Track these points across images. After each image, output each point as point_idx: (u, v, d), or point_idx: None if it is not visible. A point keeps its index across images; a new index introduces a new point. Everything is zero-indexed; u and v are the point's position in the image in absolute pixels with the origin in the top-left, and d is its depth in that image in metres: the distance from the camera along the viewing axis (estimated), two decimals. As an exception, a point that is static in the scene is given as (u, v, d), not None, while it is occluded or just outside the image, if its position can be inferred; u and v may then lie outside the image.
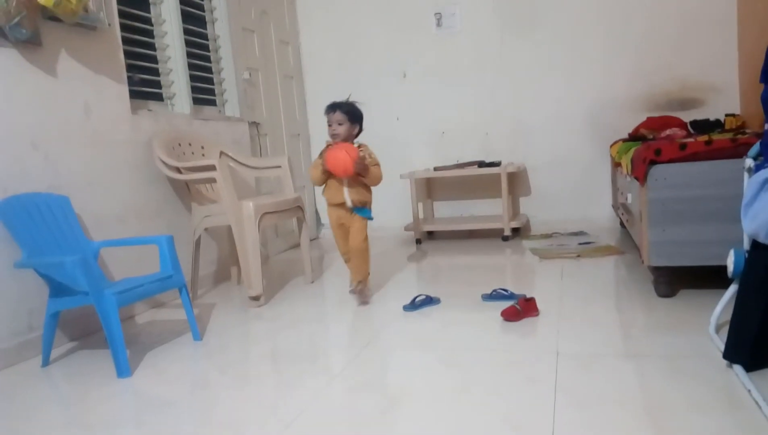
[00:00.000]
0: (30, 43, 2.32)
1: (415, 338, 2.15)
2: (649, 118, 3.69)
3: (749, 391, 1.45)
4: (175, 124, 3.19)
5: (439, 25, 4.39)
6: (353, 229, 2.61)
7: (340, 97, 2.62)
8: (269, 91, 4.22)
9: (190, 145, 3.17)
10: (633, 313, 2.20)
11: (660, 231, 2.24)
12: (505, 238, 3.96)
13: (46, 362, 2.13)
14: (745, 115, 3.56)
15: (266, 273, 3.40)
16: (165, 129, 3.09)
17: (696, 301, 2.22)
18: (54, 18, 2.40)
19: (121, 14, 2.88)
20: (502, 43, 4.27)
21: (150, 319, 2.70)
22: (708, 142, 2.20)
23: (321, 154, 2.56)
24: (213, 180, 2.78)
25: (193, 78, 3.42)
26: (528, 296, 2.31)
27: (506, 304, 2.29)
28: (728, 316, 1.66)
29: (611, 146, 3.76)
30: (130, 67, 2.92)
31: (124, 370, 1.95)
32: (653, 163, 2.22)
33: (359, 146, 2.55)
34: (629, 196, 2.75)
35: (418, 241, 4.17)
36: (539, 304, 2.27)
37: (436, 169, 4.22)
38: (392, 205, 4.41)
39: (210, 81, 3.67)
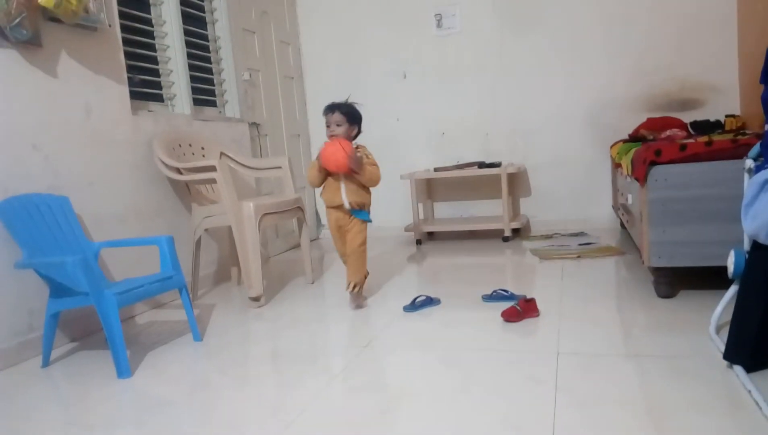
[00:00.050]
0: (30, 44, 2.32)
1: (415, 338, 2.15)
2: (649, 119, 3.68)
3: (749, 391, 1.45)
4: (176, 124, 3.19)
5: (439, 25, 4.39)
6: (351, 233, 2.59)
7: (340, 98, 2.62)
8: (269, 92, 4.22)
9: (190, 145, 3.18)
10: (633, 314, 2.20)
11: (660, 231, 2.24)
12: (506, 239, 3.96)
13: (46, 362, 2.14)
14: (745, 116, 3.56)
15: (266, 273, 3.41)
16: (165, 129, 3.09)
17: (696, 302, 2.22)
18: (54, 19, 2.40)
19: (122, 15, 2.89)
20: (502, 43, 4.27)
21: (150, 320, 2.70)
22: (708, 143, 2.20)
23: (318, 157, 2.56)
24: (213, 180, 2.78)
25: (193, 79, 3.43)
26: (528, 297, 2.31)
27: (506, 304, 2.30)
28: (729, 317, 1.66)
29: (611, 147, 3.76)
30: (130, 68, 2.92)
31: (124, 370, 1.95)
32: (653, 163, 2.22)
33: (357, 147, 2.54)
34: (629, 196, 2.76)
35: (419, 242, 4.17)
36: (540, 305, 2.27)
37: (436, 169, 4.22)
38: (392, 206, 4.42)
39: (210, 82, 3.68)
